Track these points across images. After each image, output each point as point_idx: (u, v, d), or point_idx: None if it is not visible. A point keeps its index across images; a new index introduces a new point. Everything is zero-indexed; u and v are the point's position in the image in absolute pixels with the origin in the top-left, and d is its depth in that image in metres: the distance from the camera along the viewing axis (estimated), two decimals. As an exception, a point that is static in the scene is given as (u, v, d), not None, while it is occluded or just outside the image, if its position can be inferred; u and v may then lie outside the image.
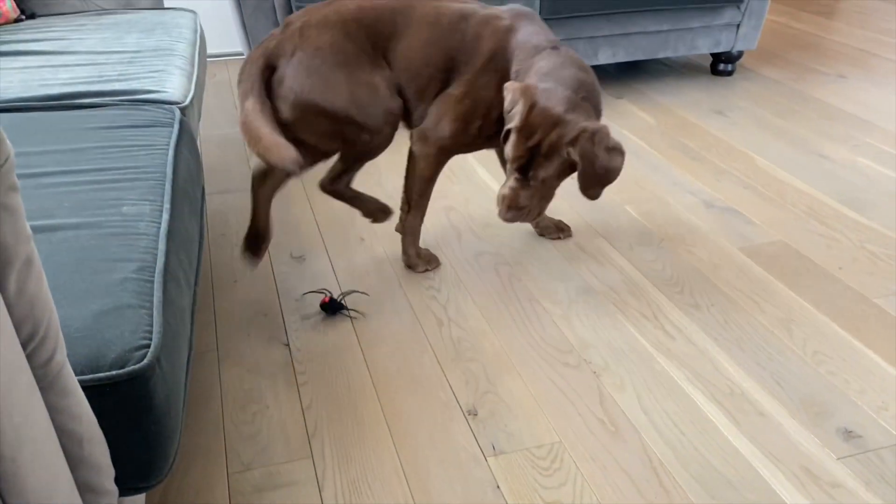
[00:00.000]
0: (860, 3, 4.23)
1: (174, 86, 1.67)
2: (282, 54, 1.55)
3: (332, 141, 1.62)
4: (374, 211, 1.84)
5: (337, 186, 1.79)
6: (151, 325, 0.91)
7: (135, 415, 0.85)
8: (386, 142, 1.66)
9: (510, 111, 1.52)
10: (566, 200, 2.09)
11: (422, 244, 1.90)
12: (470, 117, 1.61)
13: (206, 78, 2.56)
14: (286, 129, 1.53)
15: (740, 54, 3.03)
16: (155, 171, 1.26)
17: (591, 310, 1.63)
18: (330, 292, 1.66)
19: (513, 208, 1.57)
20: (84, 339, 0.85)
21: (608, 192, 2.13)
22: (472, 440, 1.30)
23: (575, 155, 1.50)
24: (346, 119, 1.57)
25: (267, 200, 1.74)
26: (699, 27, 2.86)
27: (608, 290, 1.70)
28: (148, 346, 0.87)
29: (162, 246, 1.07)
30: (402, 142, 2.48)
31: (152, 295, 0.96)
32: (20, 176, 1.15)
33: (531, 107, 1.49)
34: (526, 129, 1.50)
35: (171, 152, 1.35)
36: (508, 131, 1.53)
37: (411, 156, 1.71)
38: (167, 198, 1.20)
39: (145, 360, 0.85)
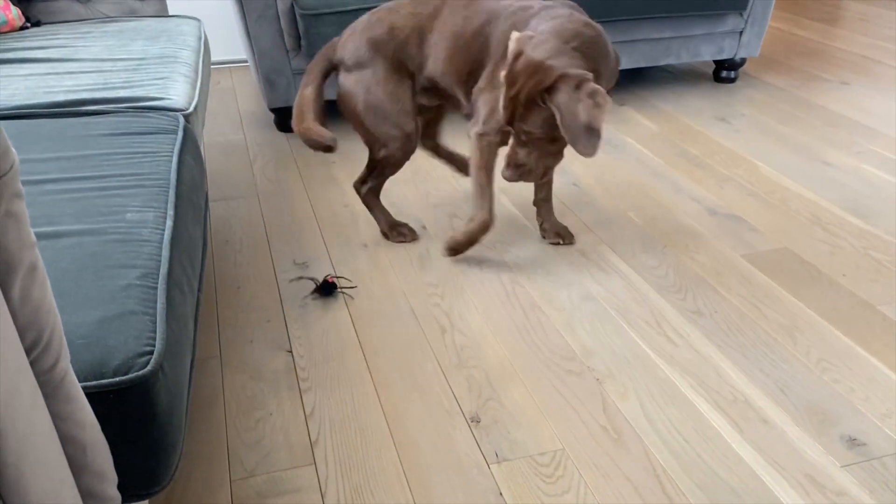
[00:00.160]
0: (863, 10, 4.23)
1: (178, 93, 1.68)
2: (340, 62, 1.80)
3: (365, 142, 1.87)
4: (389, 228, 1.94)
5: (361, 190, 1.94)
6: (155, 332, 0.91)
7: (138, 421, 0.85)
8: (398, 162, 1.85)
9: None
10: (569, 205, 2.09)
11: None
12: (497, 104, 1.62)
13: (210, 85, 2.57)
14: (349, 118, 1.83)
15: (743, 61, 3.04)
16: (159, 178, 1.27)
17: (594, 317, 1.63)
18: (317, 281, 1.73)
19: (510, 166, 1.56)
20: (88, 345, 0.85)
21: (610, 198, 2.13)
22: (474, 447, 1.30)
23: (551, 103, 1.44)
24: (371, 131, 1.82)
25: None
26: (702, 34, 2.86)
27: (611, 297, 1.70)
28: (151, 353, 0.87)
29: (165, 253, 1.07)
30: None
31: (156, 301, 0.96)
32: (24, 182, 1.16)
33: (517, 55, 1.47)
34: (510, 77, 1.47)
35: (174, 159, 1.36)
36: None
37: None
38: (171, 205, 1.20)
39: (149, 367, 0.85)
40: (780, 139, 2.52)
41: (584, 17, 1.57)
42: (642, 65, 2.87)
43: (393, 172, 1.89)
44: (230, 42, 3.39)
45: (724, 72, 3.07)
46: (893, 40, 3.64)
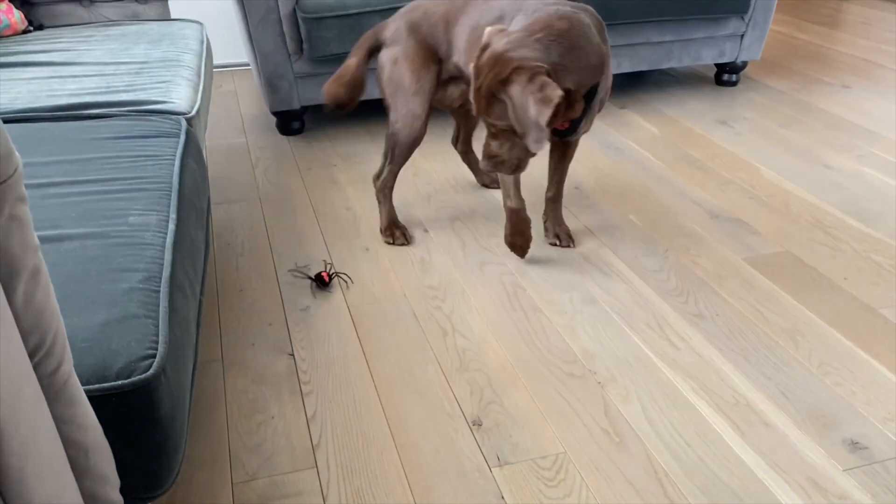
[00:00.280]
0: (864, 14, 4.23)
1: (181, 96, 1.68)
2: (382, 41, 1.87)
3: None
4: (385, 226, 1.99)
5: (376, 183, 1.99)
6: (157, 336, 0.91)
7: (140, 425, 0.86)
8: (403, 144, 1.89)
9: None
10: (570, 208, 2.09)
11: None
12: None
13: (212, 88, 2.57)
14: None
15: (744, 65, 3.04)
16: (161, 181, 1.27)
17: (595, 320, 1.63)
18: (311, 275, 1.80)
19: (485, 157, 1.59)
20: (90, 349, 0.85)
21: (612, 201, 2.14)
22: (476, 451, 1.30)
23: (505, 95, 1.44)
24: (388, 104, 1.88)
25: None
26: (703, 38, 2.86)
27: (613, 301, 1.70)
28: (154, 356, 0.87)
29: (168, 256, 1.08)
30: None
31: (158, 305, 0.97)
32: (27, 186, 1.16)
33: (484, 48, 1.49)
34: (476, 69, 1.50)
35: (177, 163, 1.36)
36: None
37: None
38: (173, 208, 1.20)
39: (151, 370, 0.85)
40: (781, 142, 2.52)
41: (568, 11, 1.52)
42: (644, 68, 2.87)
43: (402, 160, 1.91)
44: (232, 45, 3.40)
45: (726, 75, 3.07)
46: (894, 43, 3.64)
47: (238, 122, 2.84)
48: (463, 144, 2.21)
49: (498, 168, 1.58)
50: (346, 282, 1.77)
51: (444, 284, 1.78)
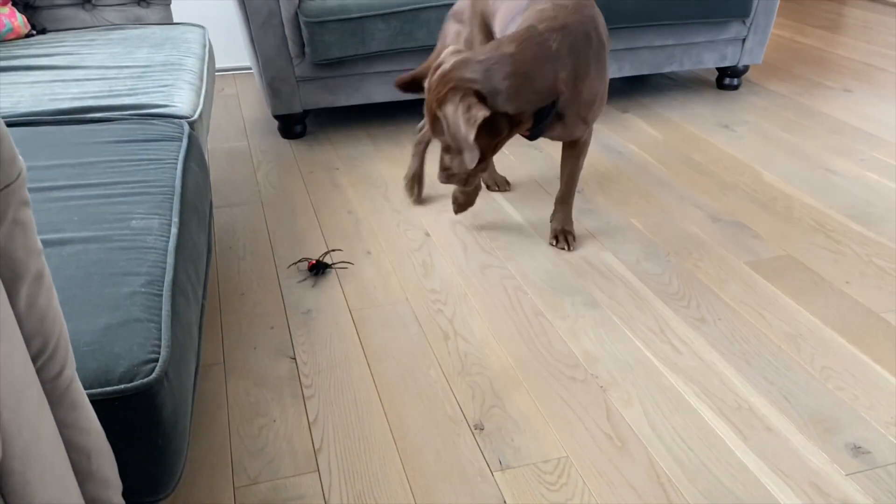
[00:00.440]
0: (865, 17, 4.24)
1: (183, 100, 1.68)
2: (451, 15, 1.97)
3: None
4: (410, 177, 2.14)
5: (416, 136, 2.10)
6: (160, 339, 0.91)
7: (143, 429, 0.86)
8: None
9: None
10: (573, 213, 2.09)
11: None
12: None
13: (214, 92, 2.57)
14: None
15: (746, 68, 3.04)
16: (164, 185, 1.27)
17: (597, 324, 1.63)
18: (309, 259, 1.86)
19: (440, 170, 1.66)
20: (93, 352, 0.85)
21: (614, 205, 2.14)
22: (478, 455, 1.30)
23: (440, 112, 1.52)
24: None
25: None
26: (705, 42, 2.87)
27: (615, 304, 1.70)
28: (156, 360, 0.87)
29: (170, 260, 1.08)
30: (403, 159, 2.48)
31: (161, 309, 0.97)
32: (30, 190, 1.16)
33: (437, 66, 1.58)
34: (427, 87, 1.58)
35: (179, 166, 1.36)
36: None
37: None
38: (176, 212, 1.21)
39: (154, 374, 0.85)
40: (783, 146, 2.52)
41: (533, 34, 1.57)
42: (645, 72, 2.87)
43: None
44: (234, 49, 3.41)
45: (727, 79, 3.07)
46: (895, 47, 3.65)
47: (240, 126, 2.84)
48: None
49: (451, 180, 1.65)
50: (346, 266, 1.84)
51: (445, 288, 1.78)
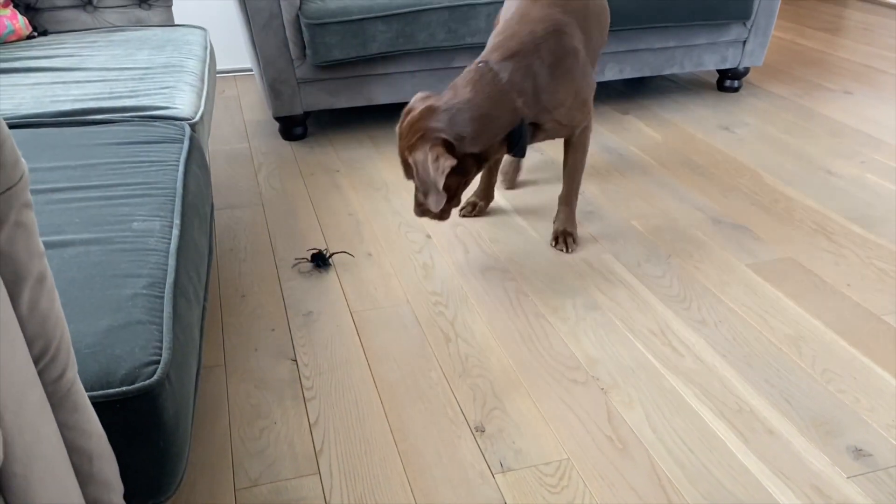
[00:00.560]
0: (865, 20, 4.24)
1: (184, 102, 1.68)
2: None
3: None
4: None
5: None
6: (161, 341, 0.91)
7: (144, 431, 0.86)
8: None
9: None
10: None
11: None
12: None
13: (215, 94, 2.58)
14: None
15: (747, 70, 3.04)
16: (165, 187, 1.27)
17: (598, 326, 1.63)
18: (314, 251, 1.89)
19: (415, 205, 1.74)
20: (94, 354, 0.85)
21: (615, 207, 2.14)
22: (479, 457, 1.30)
23: (410, 159, 1.62)
24: None
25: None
26: (705, 44, 2.87)
27: (616, 307, 1.70)
28: (158, 363, 0.87)
29: (172, 262, 1.08)
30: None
31: (162, 311, 0.97)
32: (31, 192, 1.16)
33: (408, 112, 1.68)
34: (399, 131, 1.68)
35: (181, 168, 1.36)
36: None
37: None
38: (177, 213, 1.21)
39: (155, 377, 0.85)
40: (783, 148, 2.52)
41: (486, 72, 1.65)
42: (646, 74, 2.87)
43: None
44: (235, 51, 3.41)
45: (728, 81, 3.07)
46: (895, 49, 3.65)
47: (241, 128, 2.84)
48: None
49: (425, 215, 1.74)
50: (348, 255, 1.91)
51: (446, 290, 1.78)
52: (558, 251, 1.92)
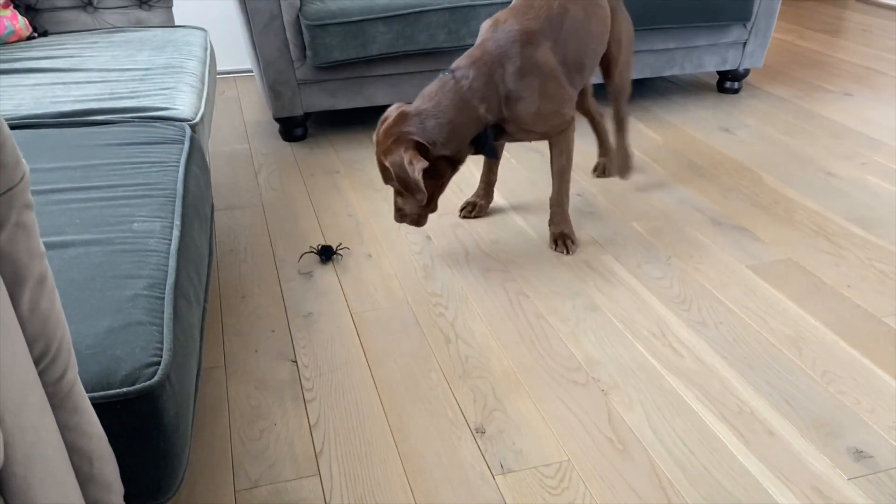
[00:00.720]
0: (865, 21, 4.24)
1: (185, 103, 1.68)
2: None
3: None
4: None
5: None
6: (162, 343, 0.91)
7: (144, 432, 0.85)
8: None
9: None
10: (573, 216, 2.09)
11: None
12: None
13: (215, 95, 2.58)
14: None
15: (747, 72, 3.04)
16: (165, 187, 1.27)
17: (598, 327, 1.63)
18: (319, 246, 1.93)
19: (395, 211, 1.81)
20: (95, 355, 0.85)
21: (615, 208, 2.14)
22: (479, 458, 1.30)
23: (387, 162, 1.69)
24: None
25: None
26: (706, 45, 2.87)
27: (616, 308, 1.70)
28: (158, 364, 0.87)
29: (172, 263, 1.08)
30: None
31: (163, 312, 0.97)
32: (32, 192, 1.16)
33: (384, 120, 1.74)
34: (376, 138, 1.74)
35: (181, 169, 1.36)
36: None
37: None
38: (178, 214, 1.21)
39: (156, 378, 0.85)
40: (784, 150, 2.53)
41: (458, 79, 1.71)
42: (646, 75, 2.87)
43: None
44: (236, 52, 3.41)
45: (728, 82, 3.08)
46: (895, 51, 3.65)
47: (241, 129, 2.84)
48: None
49: (404, 220, 1.82)
50: (347, 250, 1.96)
51: (446, 291, 1.78)
52: (554, 251, 1.92)
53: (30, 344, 0.67)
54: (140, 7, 2.40)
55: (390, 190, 2.30)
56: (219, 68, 3.44)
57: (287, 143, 2.69)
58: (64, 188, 1.22)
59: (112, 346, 0.87)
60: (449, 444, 1.33)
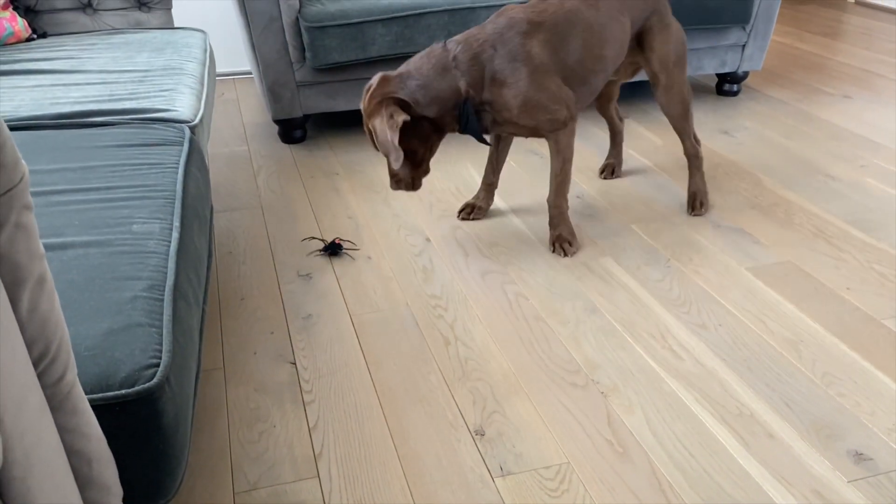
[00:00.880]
0: (865, 24, 4.25)
1: (184, 104, 1.68)
2: None
3: None
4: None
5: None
6: (161, 344, 0.91)
7: (143, 434, 0.85)
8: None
9: None
10: (573, 219, 2.09)
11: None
12: None
13: (215, 96, 2.57)
14: None
15: (746, 75, 3.05)
16: (165, 189, 1.27)
17: (598, 330, 1.63)
18: (325, 241, 1.97)
19: (390, 177, 1.84)
20: (94, 357, 0.85)
21: (614, 210, 2.14)
22: (479, 461, 1.30)
23: (371, 126, 1.71)
24: None
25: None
26: (705, 48, 2.87)
27: (616, 310, 1.69)
28: (157, 366, 0.87)
29: (171, 264, 1.07)
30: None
31: (162, 313, 0.96)
32: (31, 194, 1.16)
33: (368, 88, 1.76)
34: (363, 105, 1.76)
35: (180, 171, 1.36)
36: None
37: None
38: (177, 216, 1.20)
39: (155, 380, 0.85)
40: (783, 152, 2.53)
41: (440, 50, 1.75)
42: (646, 78, 2.87)
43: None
44: (235, 54, 3.41)
45: (727, 85, 3.08)
46: (895, 54, 3.65)
47: (240, 131, 2.84)
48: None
49: (399, 186, 1.83)
50: (353, 248, 1.98)
51: (446, 293, 1.78)
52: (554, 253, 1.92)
53: (29, 345, 0.67)
54: (139, 9, 2.40)
55: (389, 192, 2.30)
56: (218, 70, 3.44)
57: (286, 145, 2.69)
58: (63, 189, 1.22)
59: (111, 347, 0.87)
60: (448, 447, 1.33)
